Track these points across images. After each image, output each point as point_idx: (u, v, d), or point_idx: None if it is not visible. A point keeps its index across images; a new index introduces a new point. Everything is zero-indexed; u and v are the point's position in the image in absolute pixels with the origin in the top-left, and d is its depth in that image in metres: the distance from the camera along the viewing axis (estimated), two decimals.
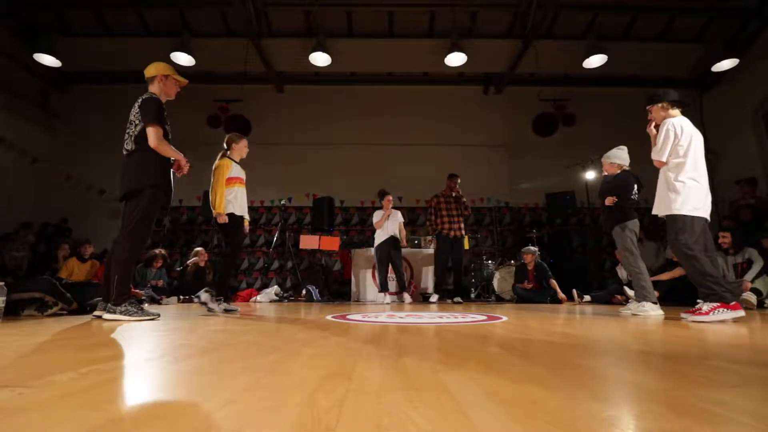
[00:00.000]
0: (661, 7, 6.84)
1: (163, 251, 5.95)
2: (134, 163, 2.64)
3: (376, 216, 5.71)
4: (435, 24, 7.25)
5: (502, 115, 8.58)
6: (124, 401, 0.75)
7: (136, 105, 2.69)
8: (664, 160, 2.79)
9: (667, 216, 2.78)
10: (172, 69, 2.91)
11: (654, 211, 2.92)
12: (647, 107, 3.00)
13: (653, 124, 2.99)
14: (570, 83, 8.38)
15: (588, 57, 6.92)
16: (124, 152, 2.69)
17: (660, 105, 2.90)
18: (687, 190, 2.70)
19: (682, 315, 2.71)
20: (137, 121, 2.65)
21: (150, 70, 2.87)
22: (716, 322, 2.43)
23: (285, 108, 8.58)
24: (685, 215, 2.68)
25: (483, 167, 8.30)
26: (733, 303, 2.53)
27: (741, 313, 2.52)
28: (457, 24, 6.82)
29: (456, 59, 6.89)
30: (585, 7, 6.84)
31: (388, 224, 5.63)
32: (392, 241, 5.63)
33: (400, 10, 7.00)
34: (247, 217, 3.57)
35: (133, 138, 2.65)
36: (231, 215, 3.35)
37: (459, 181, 5.84)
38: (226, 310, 3.28)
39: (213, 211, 3.32)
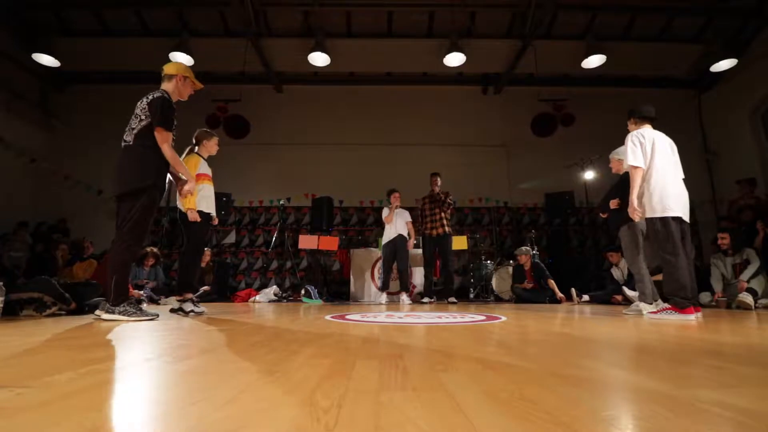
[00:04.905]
0: (660, 7, 6.86)
1: (154, 249, 5.88)
2: (133, 161, 2.58)
3: (384, 211, 5.73)
4: (434, 24, 7.25)
5: (501, 115, 8.59)
6: (122, 401, 0.75)
7: (145, 100, 2.65)
8: (643, 165, 2.91)
9: (646, 220, 2.95)
10: (191, 72, 2.93)
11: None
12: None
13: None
14: (569, 83, 8.39)
15: (587, 57, 6.94)
16: (123, 143, 2.64)
17: (631, 120, 3.14)
18: (654, 193, 2.84)
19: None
20: (143, 116, 2.60)
21: (170, 68, 2.85)
22: (675, 321, 2.58)
23: (284, 108, 8.58)
24: (655, 218, 2.82)
25: (482, 167, 8.32)
26: (687, 308, 2.69)
27: (690, 317, 2.65)
28: (456, 24, 6.82)
29: (455, 59, 6.89)
30: (584, 7, 6.85)
31: (396, 221, 5.58)
32: (399, 240, 5.56)
33: (399, 10, 7.01)
34: (214, 214, 3.60)
35: (134, 132, 2.60)
36: (200, 212, 3.33)
37: (438, 180, 5.64)
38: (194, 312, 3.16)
39: (182, 208, 3.26)
